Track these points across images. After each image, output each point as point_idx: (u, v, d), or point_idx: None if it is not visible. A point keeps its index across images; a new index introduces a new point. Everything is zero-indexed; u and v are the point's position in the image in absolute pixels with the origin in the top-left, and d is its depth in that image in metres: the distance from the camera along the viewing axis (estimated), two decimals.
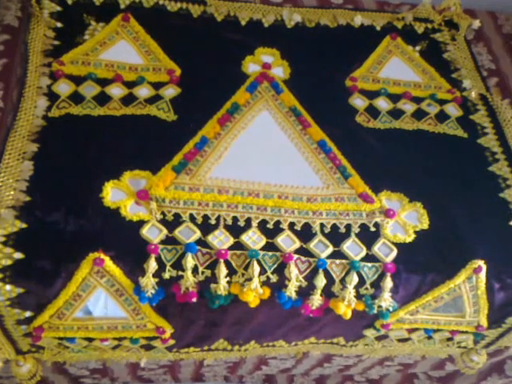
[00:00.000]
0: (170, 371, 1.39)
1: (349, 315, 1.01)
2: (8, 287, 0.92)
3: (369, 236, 1.06)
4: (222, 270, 0.95)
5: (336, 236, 1.05)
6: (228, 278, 0.96)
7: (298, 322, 1.11)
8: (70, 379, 1.39)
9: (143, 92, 1.19)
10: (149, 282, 0.93)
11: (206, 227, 1.00)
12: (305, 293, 0.99)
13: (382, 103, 1.32)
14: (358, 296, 1.01)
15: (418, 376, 1.54)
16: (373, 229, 1.07)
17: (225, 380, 1.54)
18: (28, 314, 0.97)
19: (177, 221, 1.00)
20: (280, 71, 1.31)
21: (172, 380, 1.51)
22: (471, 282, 1.07)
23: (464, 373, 1.33)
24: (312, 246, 1.02)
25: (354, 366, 1.44)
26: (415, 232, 1.08)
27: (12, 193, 0.97)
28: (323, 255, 1.01)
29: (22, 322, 0.98)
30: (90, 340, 1.05)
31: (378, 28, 1.49)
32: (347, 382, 1.60)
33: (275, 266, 0.99)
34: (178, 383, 1.52)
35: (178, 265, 0.95)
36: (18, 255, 0.92)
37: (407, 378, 1.55)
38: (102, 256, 0.93)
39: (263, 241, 1.00)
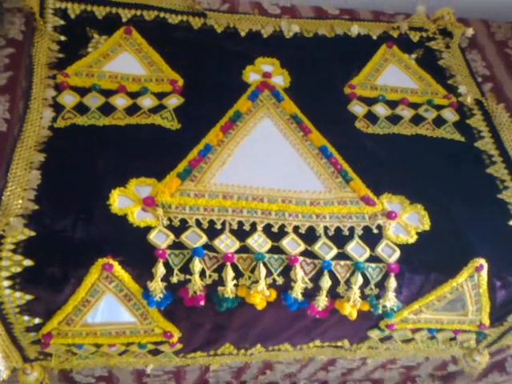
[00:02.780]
0: (175, 378, 1.39)
1: (354, 315, 1.02)
2: (18, 294, 0.93)
3: (372, 238, 1.08)
4: (229, 273, 0.97)
5: (340, 238, 1.06)
6: (235, 281, 0.98)
7: (303, 324, 1.12)
8: None
9: (147, 102, 1.21)
10: (157, 287, 0.95)
11: (212, 232, 1.02)
12: (311, 294, 1.01)
13: (381, 109, 1.35)
14: (363, 296, 1.03)
15: (420, 374, 1.54)
16: (375, 231, 1.09)
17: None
18: (37, 320, 0.98)
19: (183, 226, 1.02)
20: (280, 80, 1.34)
21: None
22: (473, 281, 1.08)
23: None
24: (316, 248, 1.03)
25: (357, 369, 1.45)
26: (417, 233, 1.10)
27: (20, 201, 0.99)
28: (328, 257, 1.02)
29: (30, 329, 0.99)
30: (98, 346, 1.06)
31: (375, 37, 1.52)
32: (348, 378, 1.60)
33: (281, 268, 1.00)
34: None
35: (186, 269, 0.97)
36: (28, 262, 0.93)
37: (409, 377, 1.55)
38: (111, 261, 0.94)
39: (268, 244, 1.02)
